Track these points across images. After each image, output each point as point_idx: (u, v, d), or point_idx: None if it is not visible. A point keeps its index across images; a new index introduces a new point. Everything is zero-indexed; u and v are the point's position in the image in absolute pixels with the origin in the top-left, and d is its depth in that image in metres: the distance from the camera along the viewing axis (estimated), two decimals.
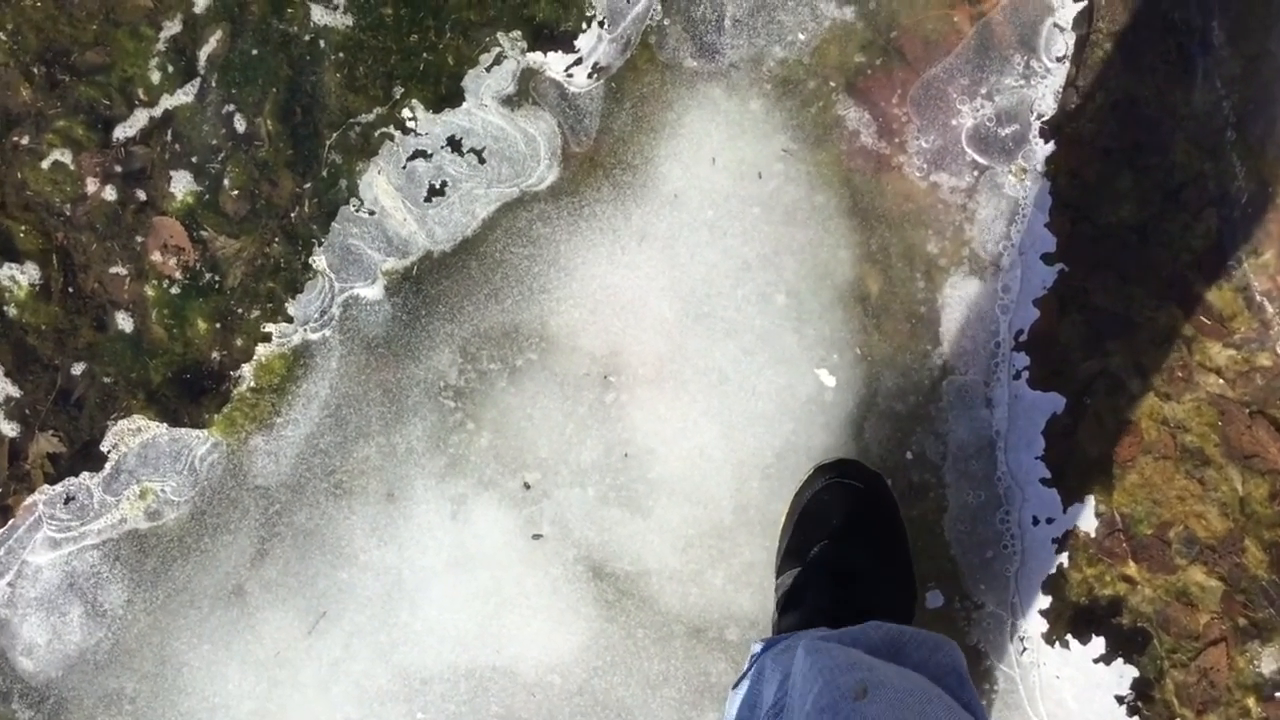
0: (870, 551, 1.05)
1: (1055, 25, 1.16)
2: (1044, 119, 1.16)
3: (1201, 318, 1.15)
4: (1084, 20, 1.16)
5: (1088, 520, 1.14)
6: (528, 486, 1.16)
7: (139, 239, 1.23)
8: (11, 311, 1.22)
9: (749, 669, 0.94)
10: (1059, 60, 1.16)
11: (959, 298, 1.15)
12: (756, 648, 0.96)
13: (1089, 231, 1.16)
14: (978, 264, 1.16)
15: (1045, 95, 1.16)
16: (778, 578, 1.09)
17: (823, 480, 1.08)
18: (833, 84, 1.17)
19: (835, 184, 1.17)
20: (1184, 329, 1.15)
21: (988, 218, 1.16)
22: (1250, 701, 1.13)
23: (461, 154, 1.19)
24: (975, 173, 1.16)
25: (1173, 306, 1.15)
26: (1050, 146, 1.16)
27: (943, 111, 1.17)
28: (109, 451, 1.19)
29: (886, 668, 0.77)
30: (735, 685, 0.95)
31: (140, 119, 1.23)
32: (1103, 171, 1.16)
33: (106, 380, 1.21)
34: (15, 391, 1.21)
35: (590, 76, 1.18)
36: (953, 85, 1.17)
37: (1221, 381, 1.14)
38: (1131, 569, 1.14)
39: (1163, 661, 1.13)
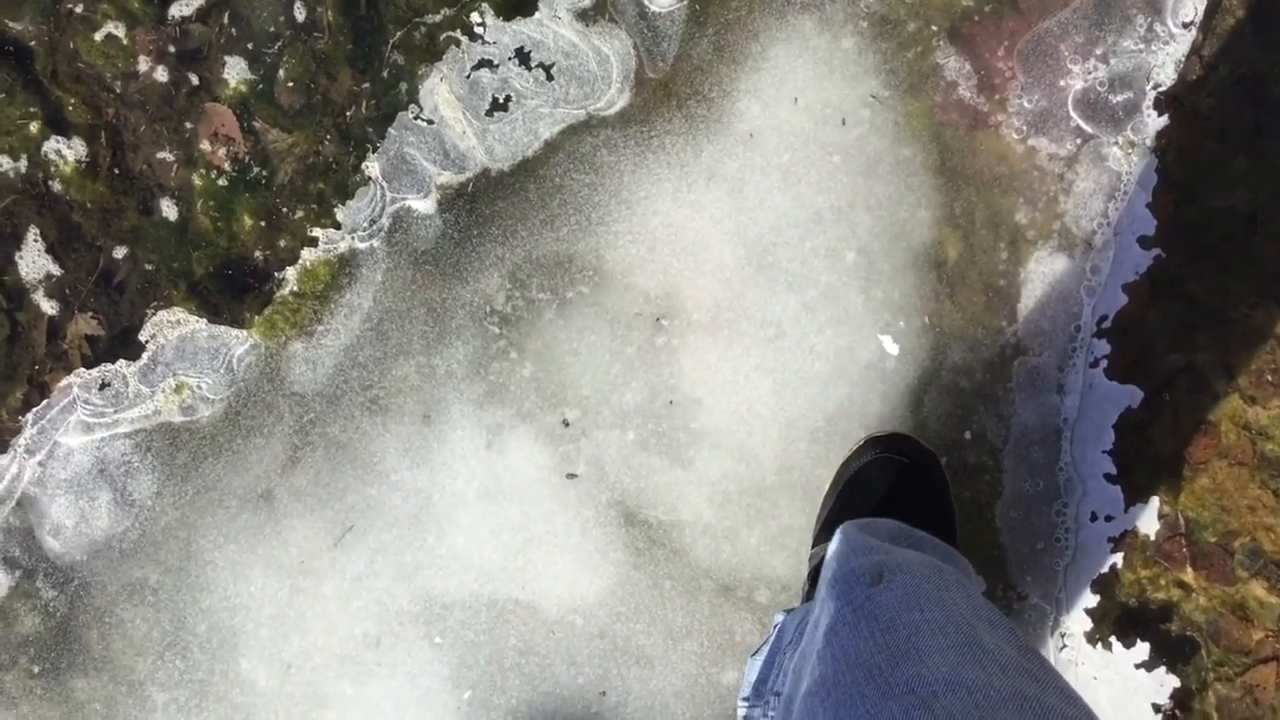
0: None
1: None
2: (1160, 89, 1.14)
3: None
4: None
5: (1148, 521, 1.16)
6: (566, 424, 1.21)
7: (189, 125, 1.27)
8: (57, 187, 1.27)
9: (771, 636, 0.99)
10: (1185, 26, 1.13)
11: (1043, 274, 1.16)
12: (779, 617, 1.01)
13: (1193, 216, 1.15)
14: (1068, 240, 1.16)
15: (1165, 63, 1.14)
16: (814, 546, 1.13)
17: (873, 453, 1.11)
18: (935, 28, 1.16)
19: (924, 138, 1.17)
20: None
21: (1085, 191, 1.15)
22: None
23: (529, 68, 1.20)
24: (1078, 141, 1.15)
25: (1272, 305, 1.14)
26: (1164, 120, 1.14)
27: (1051, 70, 1.15)
28: (147, 341, 1.25)
29: (904, 552, 0.79)
30: (755, 652, 0.99)
31: None
32: (1217, 152, 1.15)
33: (148, 267, 1.26)
34: (56, 269, 1.27)
35: None
36: (1066, 42, 1.15)
37: None
38: (1189, 575, 1.17)
39: (1207, 673, 1.16)
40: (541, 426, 1.21)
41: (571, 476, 1.21)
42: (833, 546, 0.83)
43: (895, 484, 1.09)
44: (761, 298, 1.18)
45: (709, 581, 1.20)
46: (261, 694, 1.23)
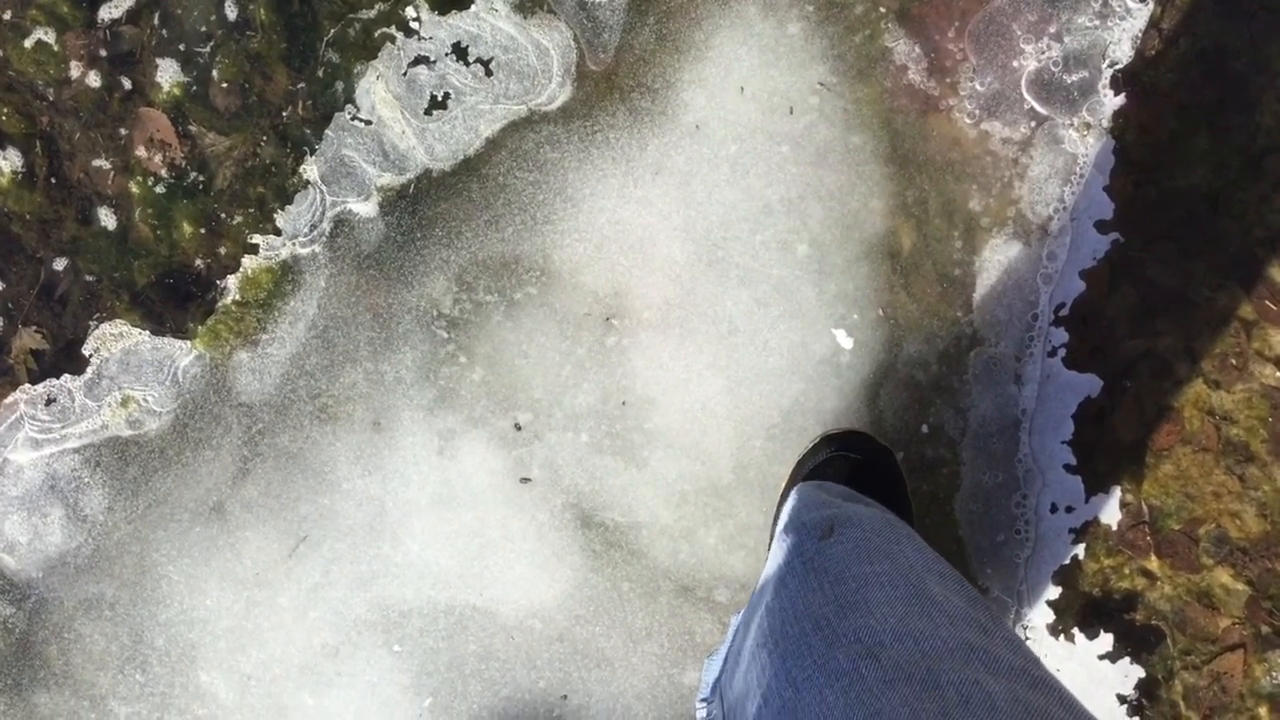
0: None
1: None
2: (1117, 67, 1.14)
3: (1266, 301, 1.15)
4: None
5: (1110, 511, 1.18)
6: (519, 427, 1.23)
7: (124, 131, 1.28)
8: None
9: (729, 637, 1.01)
10: (1142, 0, 1.13)
11: (998, 262, 1.16)
12: (735, 618, 1.03)
13: (1153, 196, 1.16)
14: (1024, 226, 1.16)
15: (1122, 39, 1.14)
16: (771, 544, 1.15)
17: (829, 450, 1.13)
18: (883, 9, 1.16)
19: (874, 125, 1.17)
20: (1245, 312, 1.16)
21: (1041, 175, 1.16)
22: (1263, 711, 1.18)
23: (467, 63, 1.21)
24: (1032, 123, 1.15)
25: (1235, 287, 1.15)
26: (1121, 99, 1.14)
27: (1004, 50, 1.15)
28: (91, 355, 1.27)
29: (856, 506, 0.81)
30: (712, 654, 1.02)
31: None
32: (1177, 130, 1.15)
33: (89, 278, 1.28)
34: None
35: None
36: (1019, 20, 1.15)
37: (1279, 373, 1.16)
38: (1153, 564, 1.19)
39: (1174, 662, 1.19)
40: (493, 431, 1.23)
41: (525, 480, 1.23)
42: (788, 507, 0.85)
43: (851, 481, 1.11)
44: (713, 294, 1.20)
45: (668, 582, 1.22)
46: (223, 706, 1.27)
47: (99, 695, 1.28)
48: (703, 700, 0.98)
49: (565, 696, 1.24)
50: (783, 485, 1.17)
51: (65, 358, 1.28)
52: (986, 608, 0.71)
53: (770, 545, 1.15)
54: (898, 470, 1.13)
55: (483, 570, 1.24)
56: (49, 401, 1.28)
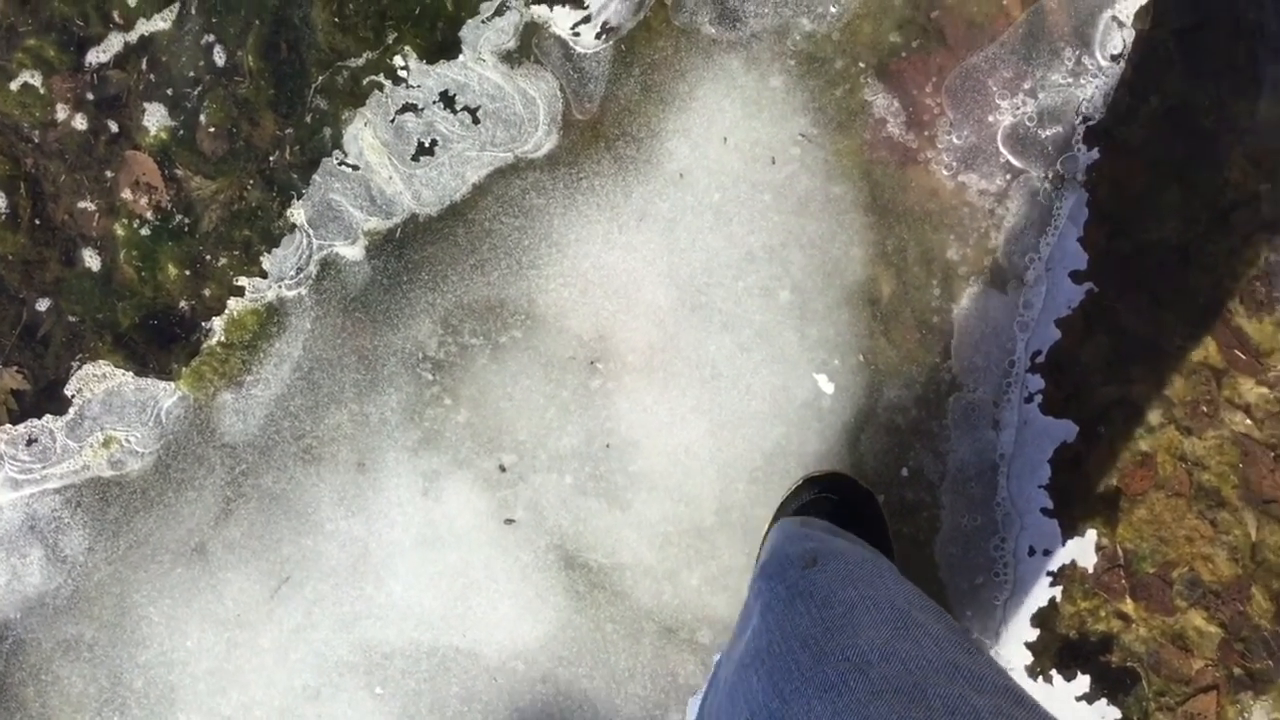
0: None
1: (1114, 19, 1.17)
2: (1090, 123, 1.18)
3: (1236, 351, 1.19)
4: (1146, 15, 1.17)
5: (1087, 554, 1.21)
6: (503, 469, 1.25)
7: (110, 173, 1.29)
8: None
9: (713, 675, 1.03)
10: (1114, 59, 1.17)
11: (976, 310, 1.20)
12: (718, 657, 1.05)
13: (1125, 248, 1.19)
14: (1000, 276, 1.20)
15: (1094, 96, 1.18)
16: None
17: (811, 493, 1.15)
18: (863, 64, 1.20)
19: (854, 175, 1.20)
20: (1215, 361, 1.19)
21: (1017, 226, 1.19)
22: None
23: (454, 111, 1.23)
24: (1008, 176, 1.19)
25: (1206, 337, 1.19)
26: (1094, 153, 1.19)
27: (980, 105, 1.19)
28: (73, 396, 1.28)
29: (835, 540, 0.83)
30: (696, 694, 1.04)
31: (115, 43, 1.27)
32: (1148, 184, 1.19)
33: (73, 319, 1.29)
34: None
35: (599, 37, 1.21)
36: (994, 77, 1.19)
37: (1249, 421, 1.19)
38: (1128, 606, 1.22)
39: (1149, 703, 1.22)
40: (478, 472, 1.25)
41: (509, 522, 1.25)
42: (769, 540, 0.87)
43: (833, 523, 1.13)
44: (696, 338, 1.22)
45: (651, 623, 1.24)
46: None
47: None
48: None
49: None
50: (766, 527, 1.19)
51: (47, 398, 1.29)
52: (967, 634, 0.73)
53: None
54: (879, 512, 1.16)
55: (466, 611, 1.25)
56: (30, 442, 1.28)
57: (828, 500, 1.14)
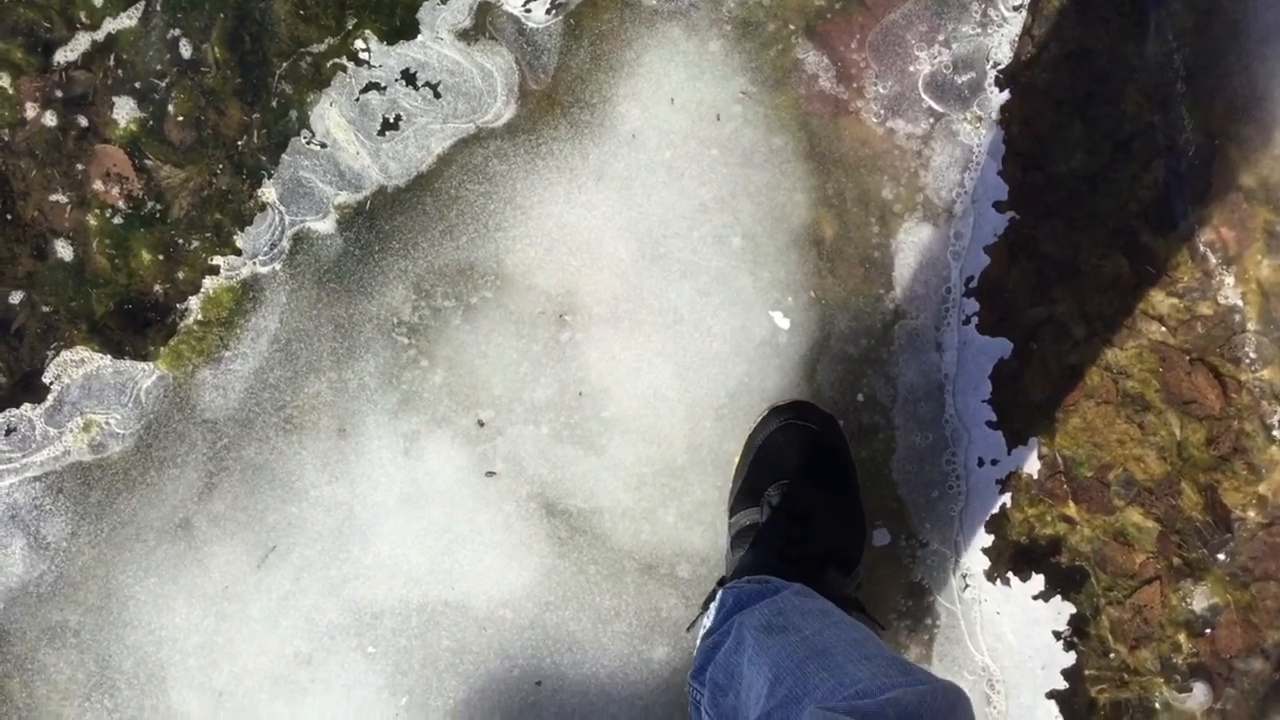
0: (823, 492, 1.20)
1: None
2: (999, 68, 1.32)
3: (1147, 266, 1.32)
4: None
5: (1030, 462, 1.31)
6: (481, 424, 1.31)
7: (80, 167, 1.34)
8: None
9: (724, 625, 1.07)
10: (1015, 9, 1.31)
11: (912, 243, 1.31)
12: (729, 598, 1.09)
13: (1040, 180, 1.32)
14: (931, 210, 1.32)
15: (1001, 44, 1.32)
16: (731, 516, 1.25)
17: (777, 421, 1.24)
18: (792, 27, 1.32)
19: (793, 127, 1.32)
20: (1129, 277, 1.32)
21: (942, 165, 1.31)
22: (1181, 637, 1.31)
23: (416, 88, 1.32)
24: (931, 120, 1.32)
25: (1118, 255, 1.32)
26: (1005, 95, 1.32)
27: (901, 57, 1.32)
28: (51, 383, 1.31)
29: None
30: (707, 636, 1.09)
31: (82, 42, 1.33)
32: (1055, 121, 1.32)
33: (46, 310, 1.32)
34: None
35: (548, 12, 1.31)
36: (911, 31, 1.32)
37: (1163, 329, 1.32)
38: (1071, 509, 1.32)
39: (1099, 599, 1.31)
40: (457, 429, 1.31)
41: (490, 474, 1.30)
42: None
43: (800, 448, 1.21)
44: (657, 287, 1.31)
45: (632, 562, 1.30)
46: None
47: None
48: (693, 679, 1.06)
49: (539, 683, 1.29)
50: (736, 459, 1.27)
51: (24, 389, 1.32)
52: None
53: (730, 513, 1.25)
54: (842, 435, 1.25)
55: (453, 565, 1.30)
56: (8, 431, 1.30)
57: (793, 426, 1.22)
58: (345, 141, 1.32)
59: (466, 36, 1.31)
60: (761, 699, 0.94)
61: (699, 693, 1.05)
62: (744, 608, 1.06)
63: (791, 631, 0.96)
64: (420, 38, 1.32)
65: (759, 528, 1.17)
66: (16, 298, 1.33)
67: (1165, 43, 1.32)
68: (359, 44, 1.32)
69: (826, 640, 0.93)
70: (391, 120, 1.32)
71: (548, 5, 1.31)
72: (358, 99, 1.31)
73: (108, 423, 1.30)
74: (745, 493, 1.23)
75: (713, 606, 1.12)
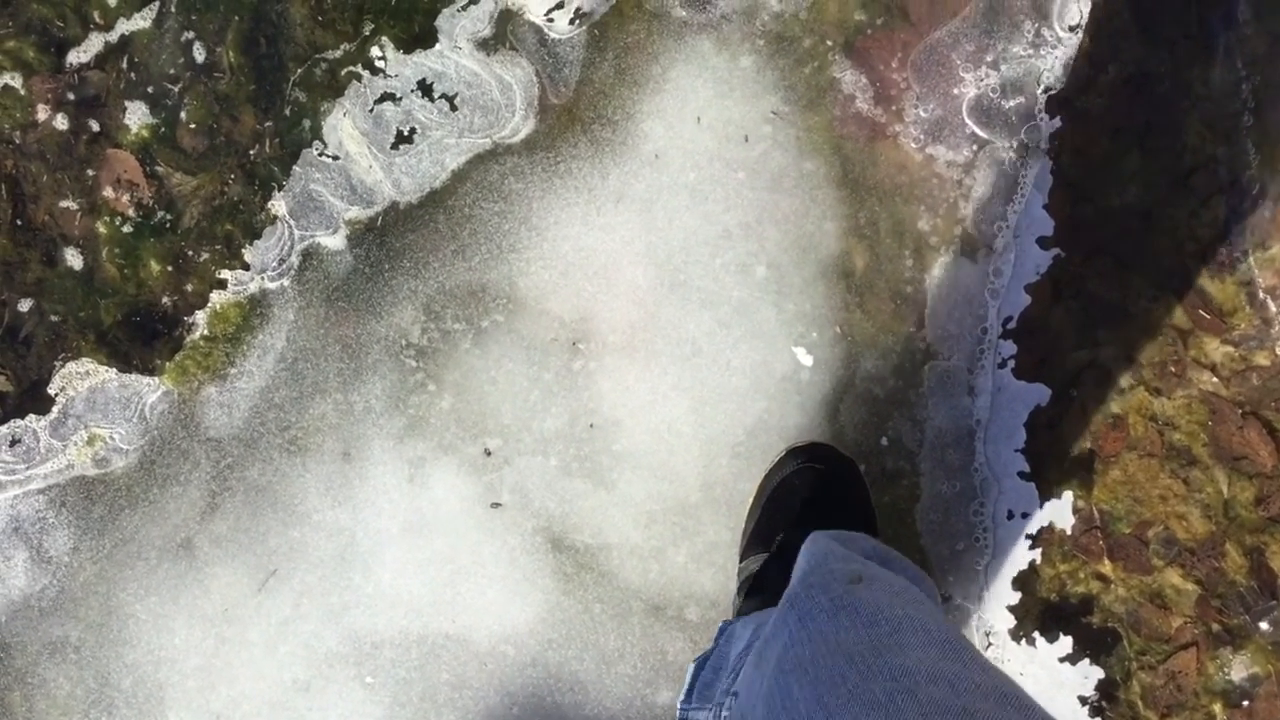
0: None
1: None
2: (1051, 92, 1.23)
3: (1200, 311, 1.24)
4: None
5: (1064, 516, 1.24)
6: (488, 453, 1.27)
7: (91, 172, 1.31)
8: None
9: (720, 642, 1.05)
10: (1072, 29, 1.23)
11: (948, 279, 1.24)
12: (724, 624, 1.08)
13: (1089, 214, 1.24)
14: (970, 244, 1.24)
15: (1054, 66, 1.23)
16: (741, 560, 1.20)
17: (794, 464, 1.18)
18: (830, 43, 1.24)
19: (825, 151, 1.25)
20: (1181, 322, 1.24)
21: (984, 195, 1.24)
22: (1217, 708, 1.24)
23: (432, 99, 1.27)
24: (974, 147, 1.24)
25: (1171, 298, 1.24)
26: (1056, 122, 1.23)
27: (944, 79, 1.24)
28: (56, 395, 1.29)
29: (879, 568, 0.81)
30: (696, 658, 1.06)
31: (95, 43, 1.30)
32: (1109, 151, 1.24)
33: (55, 319, 1.31)
34: None
35: (572, 22, 1.25)
36: (957, 51, 1.24)
37: (1216, 379, 1.24)
38: (1106, 567, 1.25)
39: (1130, 663, 1.25)
40: (463, 457, 1.27)
41: (496, 506, 1.27)
42: (808, 551, 0.85)
43: (817, 492, 1.16)
44: (676, 316, 1.25)
45: (639, 602, 1.26)
46: None
47: None
48: (682, 704, 1.02)
49: None
50: (750, 501, 1.22)
51: (30, 399, 1.30)
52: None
53: (740, 557, 1.20)
54: (861, 480, 1.19)
55: (455, 597, 1.26)
56: (13, 443, 1.29)
57: (811, 469, 1.17)
58: (358, 154, 1.27)
59: (486, 46, 1.26)
60: (739, 649, 0.93)
61: (683, 714, 1.02)
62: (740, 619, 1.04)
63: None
64: (438, 46, 1.26)
65: (767, 579, 1.12)
66: (26, 305, 1.31)
67: (1234, 70, 1.22)
68: (375, 51, 1.27)
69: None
70: (406, 133, 1.27)
71: (571, 15, 1.25)
72: (372, 110, 1.27)
73: (112, 437, 1.28)
74: (757, 537, 1.18)
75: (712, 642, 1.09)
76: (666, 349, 1.25)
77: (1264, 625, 1.23)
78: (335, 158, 1.28)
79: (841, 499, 1.16)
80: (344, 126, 1.27)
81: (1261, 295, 1.22)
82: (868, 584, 0.75)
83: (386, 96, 1.27)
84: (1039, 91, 1.23)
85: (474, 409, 1.26)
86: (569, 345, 1.26)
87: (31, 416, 1.29)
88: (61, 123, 1.31)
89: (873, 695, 0.62)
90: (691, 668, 1.03)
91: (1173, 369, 1.23)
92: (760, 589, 1.13)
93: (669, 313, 1.25)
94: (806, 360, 1.24)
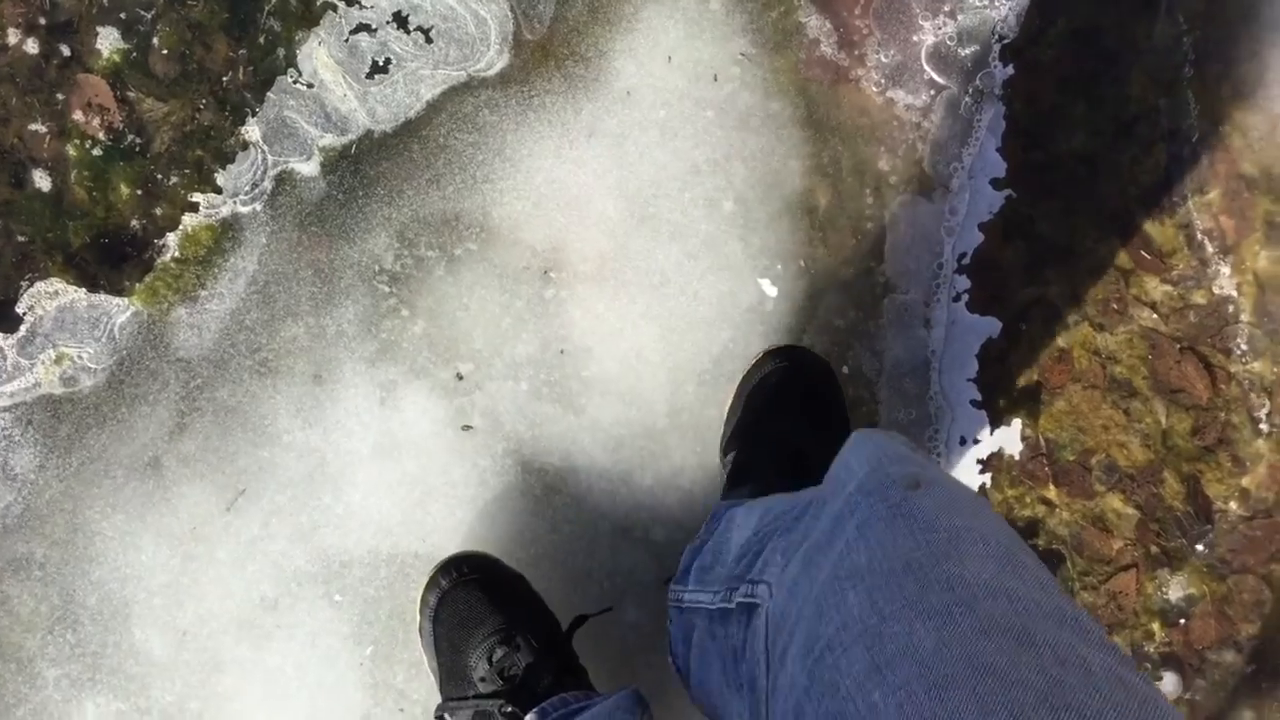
0: (818, 434, 1.19)
1: None
2: (1005, 42, 1.30)
3: (1142, 252, 1.31)
4: None
5: (1013, 443, 1.31)
6: (460, 377, 1.30)
7: (61, 96, 1.32)
8: None
9: (717, 527, 1.05)
10: None
11: (906, 216, 1.30)
12: (720, 507, 1.09)
13: (1040, 159, 1.31)
14: (927, 184, 1.30)
15: (1008, 18, 1.30)
16: (724, 455, 1.24)
17: (772, 364, 1.22)
18: None
19: (791, 93, 1.30)
20: (1123, 262, 1.31)
21: (941, 138, 1.30)
22: (1155, 626, 1.32)
23: (408, 31, 1.30)
24: (932, 91, 1.30)
25: (1114, 239, 1.31)
26: (1009, 70, 1.30)
27: (904, 26, 1.30)
28: (24, 314, 1.30)
29: (937, 470, 0.79)
30: (689, 545, 1.09)
31: None
32: (1058, 100, 1.31)
33: (22, 239, 1.31)
34: None
35: None
36: (916, 0, 1.30)
37: (1155, 316, 1.31)
38: (1052, 492, 1.32)
39: (1074, 583, 1.32)
40: (435, 381, 1.30)
41: (467, 428, 1.30)
42: (859, 452, 0.82)
43: (795, 390, 1.20)
44: (645, 248, 1.30)
45: (606, 524, 1.30)
46: (157, 664, 1.28)
47: (26, 657, 1.28)
48: (675, 585, 1.06)
49: None
50: (729, 400, 1.26)
51: None
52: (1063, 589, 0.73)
53: (723, 452, 1.24)
54: (836, 381, 1.23)
55: (425, 517, 1.29)
56: None
57: (788, 368, 1.21)
58: (333, 83, 1.30)
59: None
60: (751, 530, 0.92)
61: (677, 595, 1.04)
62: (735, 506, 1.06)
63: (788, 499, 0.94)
64: None
65: (753, 468, 1.17)
66: None
67: (1175, 25, 1.30)
68: None
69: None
70: (381, 64, 1.30)
71: None
72: (347, 40, 1.30)
73: (80, 356, 1.29)
74: (739, 432, 1.22)
75: (703, 526, 1.12)
76: (636, 279, 1.29)
77: (1199, 548, 1.31)
78: (310, 86, 1.30)
79: (818, 396, 1.21)
80: (319, 55, 1.30)
81: (1199, 237, 1.30)
82: (926, 489, 0.72)
83: (362, 27, 1.30)
84: (993, 41, 1.30)
85: (446, 334, 1.30)
86: (541, 274, 1.30)
87: None
88: (32, 47, 1.31)
89: (929, 604, 0.61)
90: (686, 553, 1.07)
91: (1115, 306, 1.31)
92: (746, 479, 1.16)
93: (639, 244, 1.29)
94: (771, 291, 1.29)
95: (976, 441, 1.30)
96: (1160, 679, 1.30)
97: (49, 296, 1.29)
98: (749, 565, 0.90)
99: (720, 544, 1.00)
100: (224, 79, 1.32)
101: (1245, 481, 1.30)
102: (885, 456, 0.78)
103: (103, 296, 1.29)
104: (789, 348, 1.23)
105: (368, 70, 1.30)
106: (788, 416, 1.17)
